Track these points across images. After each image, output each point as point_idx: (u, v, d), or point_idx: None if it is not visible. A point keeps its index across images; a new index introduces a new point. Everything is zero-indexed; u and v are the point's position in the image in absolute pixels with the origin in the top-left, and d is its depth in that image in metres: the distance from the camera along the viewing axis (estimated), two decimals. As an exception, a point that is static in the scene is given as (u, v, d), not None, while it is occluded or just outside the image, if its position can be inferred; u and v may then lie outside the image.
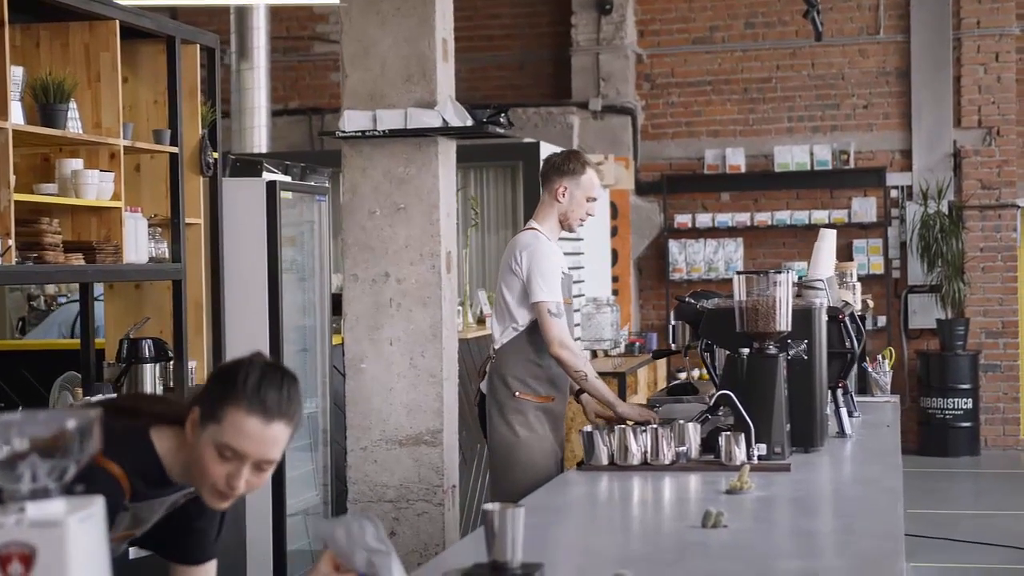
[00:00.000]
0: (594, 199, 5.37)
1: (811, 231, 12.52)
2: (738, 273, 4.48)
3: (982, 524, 9.49)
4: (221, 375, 2.65)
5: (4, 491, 1.75)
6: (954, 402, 12.26)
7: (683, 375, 12.33)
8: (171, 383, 5.60)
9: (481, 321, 8.16)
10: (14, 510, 1.74)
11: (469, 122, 5.93)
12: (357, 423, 5.73)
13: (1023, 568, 8.17)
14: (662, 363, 11.32)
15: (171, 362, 5.57)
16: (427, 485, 5.73)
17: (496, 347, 5.33)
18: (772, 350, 4.41)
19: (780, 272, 4.43)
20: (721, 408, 4.43)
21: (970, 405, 12.28)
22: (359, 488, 5.73)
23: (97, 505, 1.80)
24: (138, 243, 5.27)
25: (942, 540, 8.78)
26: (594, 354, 10.16)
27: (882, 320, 12.59)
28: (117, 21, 5.18)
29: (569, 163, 5.34)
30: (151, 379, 5.41)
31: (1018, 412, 12.71)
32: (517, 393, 5.21)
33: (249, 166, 6.58)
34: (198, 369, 5.85)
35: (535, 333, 5.21)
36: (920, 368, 12.50)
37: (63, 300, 8.67)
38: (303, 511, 6.77)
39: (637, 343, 11.20)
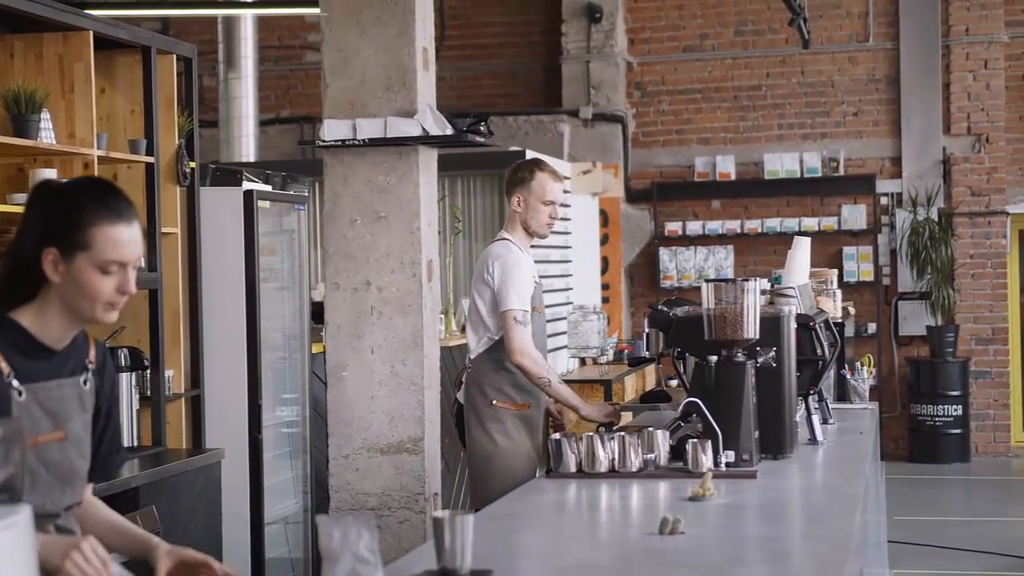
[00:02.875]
0: (551, 202, 5.44)
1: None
2: (706, 281, 4.49)
3: (971, 531, 9.50)
4: (59, 206, 2.71)
5: (-74, 499, 1.77)
6: (944, 409, 12.27)
7: (674, 383, 12.33)
8: (148, 392, 5.61)
9: (464, 329, 8.16)
10: (-64, 518, 1.75)
11: (449, 131, 5.94)
12: (338, 431, 5.74)
13: (1011, 575, 8.16)
14: (651, 370, 11.33)
15: (147, 371, 5.59)
16: (409, 493, 5.74)
17: (472, 356, 5.42)
18: (740, 357, 4.42)
19: (748, 280, 4.44)
20: (692, 415, 4.44)
21: (960, 412, 12.29)
22: (341, 496, 5.74)
23: (23, 514, 1.82)
24: (113, 252, 5.29)
25: (929, 547, 8.79)
26: (582, 362, 10.17)
27: (872, 327, 12.60)
28: (91, 32, 5.20)
29: (518, 172, 5.48)
30: (127, 388, 5.42)
31: (1008, 419, 12.72)
32: (494, 402, 5.31)
33: (229, 175, 6.59)
34: (175, 378, 5.87)
35: None
36: (910, 375, 12.51)
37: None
38: (283, 519, 6.78)
39: (626, 351, 11.21)
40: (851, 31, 12.88)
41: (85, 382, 2.82)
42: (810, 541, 3.27)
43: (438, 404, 6.10)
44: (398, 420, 5.87)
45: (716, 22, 13.10)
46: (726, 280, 4.48)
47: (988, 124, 12.60)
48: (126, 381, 5.42)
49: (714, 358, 4.41)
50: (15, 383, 2.67)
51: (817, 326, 5.06)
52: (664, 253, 12.99)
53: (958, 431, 12.31)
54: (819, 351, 5.04)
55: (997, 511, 10.35)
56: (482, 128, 6.24)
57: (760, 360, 4.49)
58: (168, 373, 5.76)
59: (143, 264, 5.60)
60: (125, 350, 5.47)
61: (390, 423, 5.82)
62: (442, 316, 8.03)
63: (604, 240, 12.41)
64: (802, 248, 5.59)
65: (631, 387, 9.85)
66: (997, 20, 12.61)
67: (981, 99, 12.62)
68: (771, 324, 4.55)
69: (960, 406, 12.29)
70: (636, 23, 13.25)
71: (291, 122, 13.34)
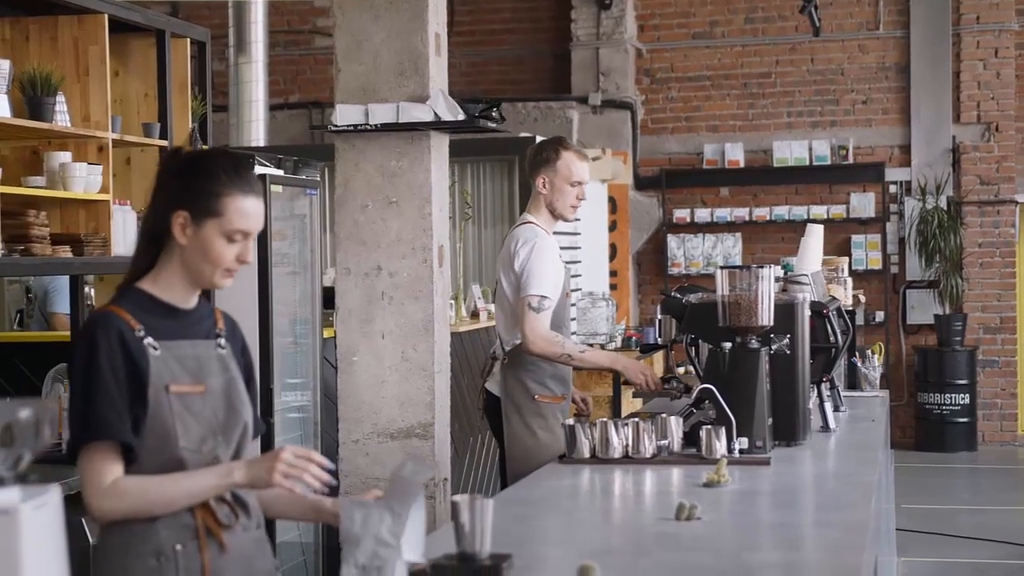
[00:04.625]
0: (578, 183, 5.26)
1: (809, 226, 12.52)
2: (721, 267, 4.48)
3: (978, 519, 9.50)
4: (195, 180, 2.82)
5: (-42, 479, 1.78)
6: (951, 397, 12.28)
7: (681, 370, 12.33)
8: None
9: (475, 315, 8.18)
10: (-32, 498, 1.76)
11: (461, 116, 5.94)
12: (349, 416, 5.75)
13: (1017, 564, 8.17)
14: (659, 357, 11.33)
15: (160, 354, 5.58)
16: (418, 478, 5.73)
17: (507, 348, 5.23)
18: (754, 344, 4.41)
19: (763, 267, 4.44)
20: (705, 402, 4.44)
21: (967, 400, 12.30)
22: (351, 481, 5.75)
23: (53, 494, 1.82)
24: (126, 236, 5.30)
25: (936, 535, 8.80)
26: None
27: (880, 315, 12.60)
28: (106, 15, 5.20)
29: (542, 152, 5.30)
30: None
31: (1015, 408, 12.72)
32: (537, 396, 5.15)
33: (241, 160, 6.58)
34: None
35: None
36: (918, 363, 12.51)
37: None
38: (294, 503, 6.78)
39: (634, 337, 11.21)
40: (861, 19, 12.86)
41: (220, 346, 2.93)
42: (827, 528, 3.27)
43: (448, 390, 6.10)
44: (408, 405, 5.88)
45: (726, 9, 13.09)
46: (741, 267, 4.47)
47: (998, 113, 12.59)
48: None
49: (728, 345, 4.41)
50: (149, 339, 2.79)
51: (830, 313, 5.06)
52: (672, 240, 12.99)
53: (965, 420, 12.31)
54: (832, 338, 5.04)
55: (1004, 500, 10.36)
56: (494, 114, 6.24)
57: (774, 347, 4.49)
58: (180, 356, 5.76)
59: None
60: (138, 333, 5.47)
61: (400, 408, 5.83)
62: (452, 302, 8.03)
63: (612, 227, 12.41)
64: (815, 235, 5.59)
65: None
66: (1008, 8, 12.59)
67: (991, 87, 12.60)
68: (785, 311, 4.55)
69: (967, 395, 12.29)
70: (645, 10, 13.23)
71: (300, 107, 13.34)
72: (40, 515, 1.78)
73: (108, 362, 2.74)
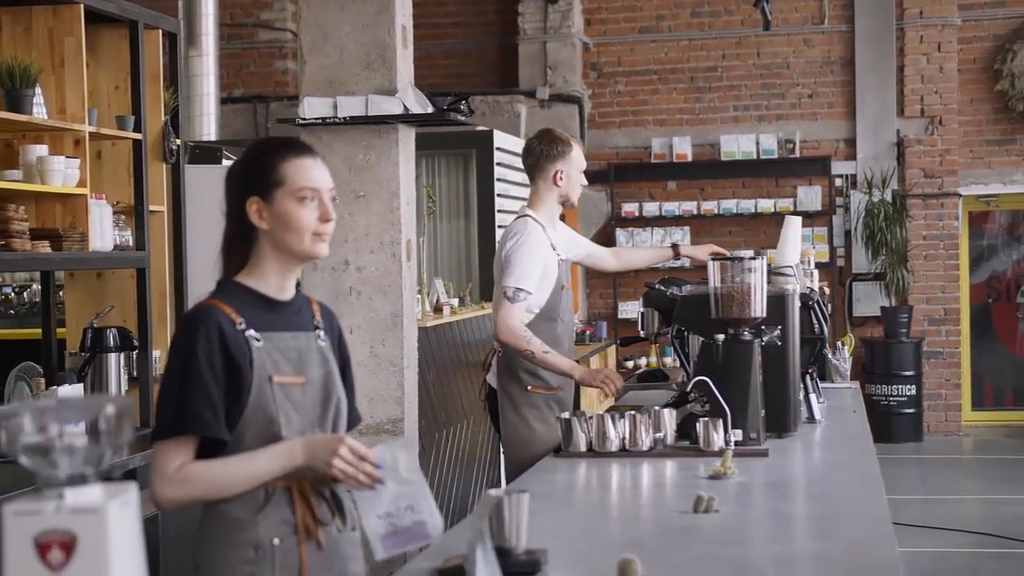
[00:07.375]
0: (583, 169, 5.41)
1: (757, 219, 12.63)
2: (713, 259, 4.48)
3: (926, 509, 9.61)
4: (251, 164, 2.89)
5: (42, 478, 1.73)
6: (898, 388, 12.40)
7: (630, 364, 12.38)
8: (135, 372, 5.53)
9: (438, 310, 8.13)
10: (52, 497, 1.72)
11: (430, 109, 5.92)
12: (319, 412, 5.68)
13: (967, 551, 8.28)
14: (612, 351, 11.39)
15: (135, 351, 5.50)
16: (388, 474, 5.69)
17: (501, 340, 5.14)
18: (747, 336, 4.42)
19: (755, 258, 4.44)
20: (692, 394, 4.44)
21: (913, 391, 12.43)
22: (321, 477, 5.69)
23: (132, 491, 1.78)
24: (103, 230, 5.21)
25: (895, 525, 8.89)
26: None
27: (828, 308, 12.68)
28: (82, 5, 5.10)
29: (557, 146, 5.29)
30: (115, 368, 5.34)
31: (960, 398, 12.88)
32: (529, 387, 5.14)
33: (208, 153, 6.52)
34: (162, 358, 5.78)
35: (542, 324, 5.11)
36: (864, 355, 12.62)
37: (7, 289, 8.54)
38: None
39: (587, 332, 11.25)
40: (807, 13, 12.95)
41: (320, 339, 2.94)
42: (849, 519, 3.27)
43: (416, 385, 6.08)
44: (377, 401, 5.85)
45: (672, 3, 13.13)
46: (732, 259, 4.47)
47: (941, 106, 12.73)
48: (115, 361, 5.34)
49: (721, 337, 4.41)
50: (251, 331, 2.82)
51: (814, 304, 5.09)
52: (621, 234, 13.01)
53: (911, 411, 12.45)
54: (817, 329, 5.07)
55: (951, 489, 10.49)
56: (462, 107, 6.22)
57: (765, 339, 4.49)
58: (155, 353, 5.69)
59: (131, 243, 5.52)
60: (114, 330, 5.38)
61: (369, 404, 5.80)
62: (417, 297, 7.99)
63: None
64: (794, 227, 5.61)
65: (596, 367, 9.86)
66: (950, 3, 12.73)
67: (934, 82, 12.74)
68: (776, 303, 4.56)
69: (913, 386, 12.43)
70: (592, 3, 13.24)
71: (244, 101, 13.19)
72: (124, 512, 1.74)
73: (206, 356, 2.77)
